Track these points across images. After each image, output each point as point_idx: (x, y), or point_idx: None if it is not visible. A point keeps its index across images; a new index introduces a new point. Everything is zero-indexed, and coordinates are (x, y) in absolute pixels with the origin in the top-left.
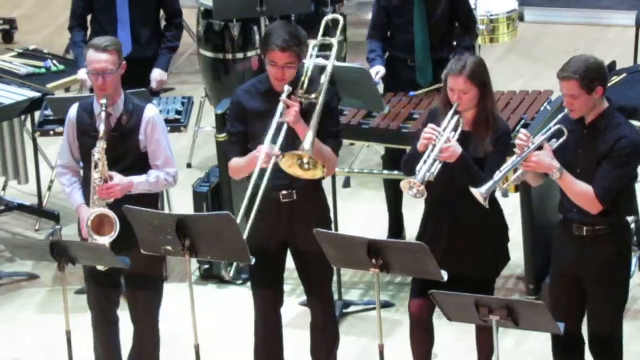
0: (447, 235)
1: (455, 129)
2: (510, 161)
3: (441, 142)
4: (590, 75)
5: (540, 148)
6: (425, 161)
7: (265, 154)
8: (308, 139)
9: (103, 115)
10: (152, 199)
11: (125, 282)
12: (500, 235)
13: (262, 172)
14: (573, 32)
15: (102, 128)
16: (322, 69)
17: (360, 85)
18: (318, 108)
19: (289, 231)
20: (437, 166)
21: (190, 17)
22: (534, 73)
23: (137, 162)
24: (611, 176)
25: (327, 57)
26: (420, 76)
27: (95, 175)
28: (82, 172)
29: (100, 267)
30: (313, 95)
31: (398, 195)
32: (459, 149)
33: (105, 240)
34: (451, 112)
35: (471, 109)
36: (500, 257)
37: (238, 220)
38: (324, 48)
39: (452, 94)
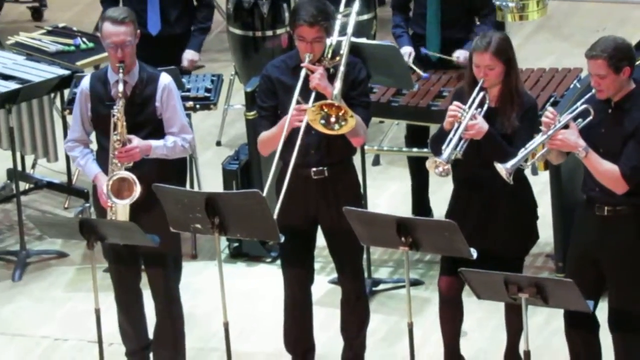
0: (476, 212)
1: (480, 105)
2: (537, 138)
3: (466, 119)
4: (618, 54)
5: (566, 126)
6: (451, 139)
7: (294, 109)
8: (336, 87)
9: (121, 75)
10: (180, 176)
11: (143, 260)
12: (529, 212)
13: (290, 146)
14: (602, 9)
15: (120, 87)
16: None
17: (389, 63)
18: (343, 61)
19: (320, 208)
20: (463, 144)
21: None
22: (563, 50)
23: (155, 130)
24: (637, 155)
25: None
26: (429, 45)
27: (114, 138)
28: (94, 143)
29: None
30: (337, 58)
31: (423, 175)
32: (485, 126)
33: (126, 203)
34: (477, 89)
35: (497, 84)
36: (529, 234)
37: (266, 197)
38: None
39: (478, 71)
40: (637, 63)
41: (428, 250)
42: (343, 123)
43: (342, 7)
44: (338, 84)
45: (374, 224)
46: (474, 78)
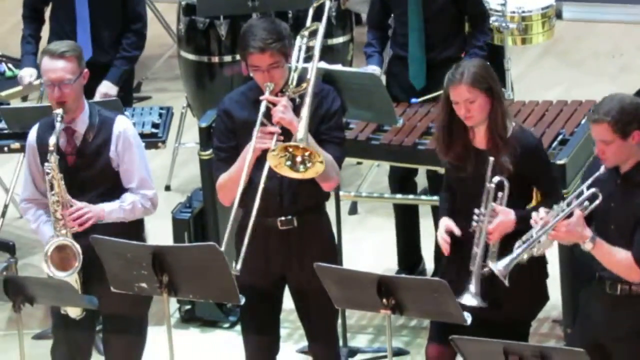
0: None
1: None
2: (537, 231)
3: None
4: (625, 117)
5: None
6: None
7: (259, 131)
8: (301, 126)
9: (57, 125)
10: (133, 230)
11: (102, 325)
12: (537, 270)
13: (252, 190)
14: (617, 31)
15: (52, 140)
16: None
17: (369, 94)
18: (310, 91)
19: (287, 265)
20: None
21: (169, 13)
22: (573, 80)
23: (111, 187)
24: None
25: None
26: (413, 76)
27: (52, 199)
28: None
29: (71, 314)
30: (303, 85)
31: (411, 223)
32: (510, 223)
33: (65, 276)
34: (487, 181)
35: (483, 121)
36: (536, 296)
37: (224, 252)
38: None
39: (459, 108)
40: None
41: (414, 315)
42: (309, 165)
43: (308, 22)
44: (303, 122)
45: (351, 283)
46: (449, 120)
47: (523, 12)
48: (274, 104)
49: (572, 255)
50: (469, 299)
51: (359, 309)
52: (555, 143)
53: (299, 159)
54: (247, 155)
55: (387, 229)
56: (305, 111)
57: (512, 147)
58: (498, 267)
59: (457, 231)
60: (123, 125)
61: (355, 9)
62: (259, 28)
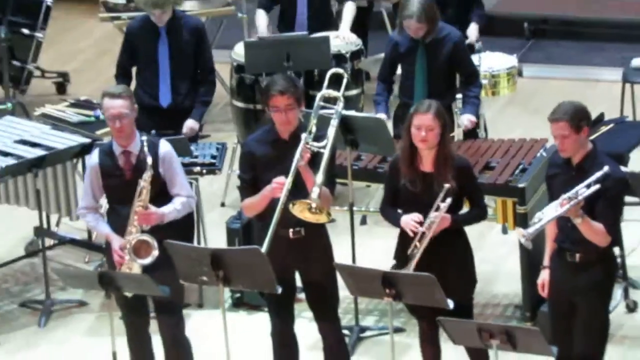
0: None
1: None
2: (553, 211)
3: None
4: (578, 115)
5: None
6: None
7: (275, 181)
8: (315, 190)
9: (146, 148)
10: (187, 234)
11: (154, 308)
12: (470, 260)
13: (270, 209)
14: (566, 86)
15: (149, 159)
16: (329, 119)
17: (375, 133)
18: (326, 157)
19: (297, 264)
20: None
21: (224, 71)
22: (531, 123)
23: (159, 193)
24: (610, 212)
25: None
26: None
27: (137, 203)
28: (103, 208)
29: (127, 294)
30: (323, 143)
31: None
32: (447, 221)
33: (146, 262)
34: (439, 200)
35: (434, 147)
36: (469, 281)
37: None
38: (331, 101)
39: (418, 133)
40: (599, 133)
41: (410, 301)
42: (318, 213)
43: (326, 81)
44: (316, 188)
45: (362, 277)
46: (411, 143)
47: (493, 71)
48: (303, 153)
49: (528, 254)
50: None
51: (368, 297)
52: (517, 171)
53: (313, 205)
54: (265, 192)
55: (389, 236)
56: (319, 178)
57: (452, 168)
58: (529, 231)
59: (419, 217)
60: (166, 147)
61: (366, 68)
62: (279, 79)
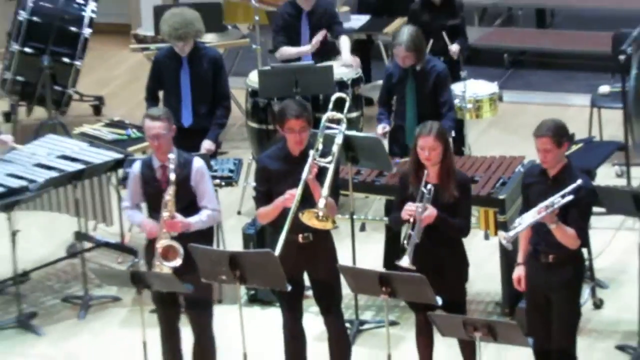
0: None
1: (428, 193)
2: (532, 216)
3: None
4: (559, 132)
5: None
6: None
7: (287, 193)
8: (322, 200)
9: (171, 166)
10: (208, 239)
11: (185, 304)
12: (464, 263)
13: (282, 217)
14: (542, 110)
15: (172, 176)
16: (332, 138)
17: (373, 151)
18: (331, 171)
19: (305, 265)
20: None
21: (240, 96)
22: (510, 142)
23: (190, 203)
24: (581, 219)
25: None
26: (409, 139)
27: (164, 213)
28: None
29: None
30: (328, 159)
31: (395, 236)
32: (434, 212)
33: (173, 264)
34: (422, 187)
35: (437, 163)
36: (461, 281)
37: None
38: (335, 122)
39: (422, 152)
40: (571, 151)
41: (403, 298)
42: (324, 221)
43: (331, 104)
44: (323, 200)
45: (361, 277)
46: (417, 160)
47: (477, 96)
48: (311, 168)
49: (507, 257)
50: (406, 262)
51: (367, 294)
52: (498, 184)
53: (320, 214)
54: (278, 202)
55: None
56: (327, 185)
57: (455, 181)
58: (509, 234)
59: (415, 205)
60: (199, 163)
61: (365, 94)
62: (293, 104)
